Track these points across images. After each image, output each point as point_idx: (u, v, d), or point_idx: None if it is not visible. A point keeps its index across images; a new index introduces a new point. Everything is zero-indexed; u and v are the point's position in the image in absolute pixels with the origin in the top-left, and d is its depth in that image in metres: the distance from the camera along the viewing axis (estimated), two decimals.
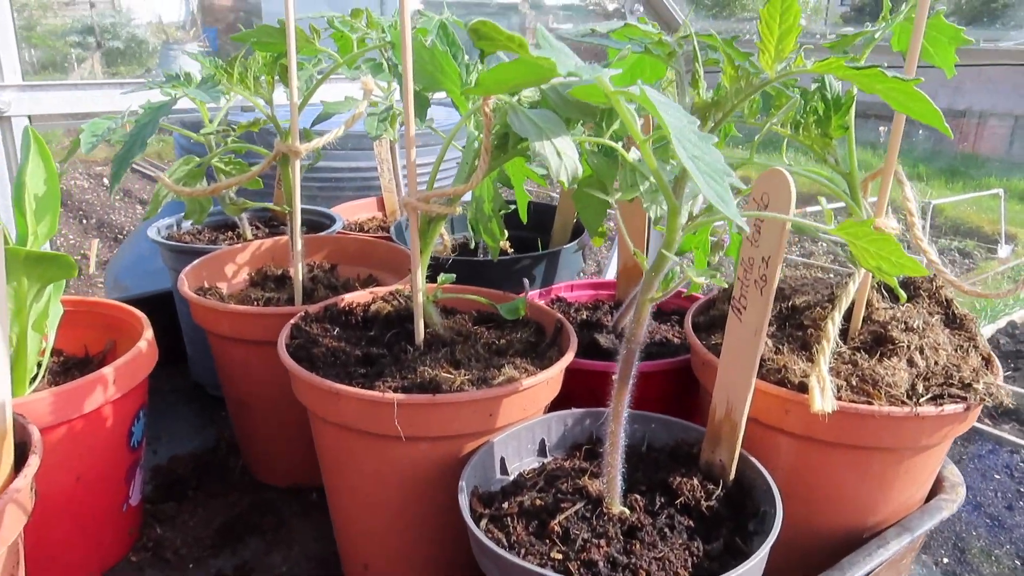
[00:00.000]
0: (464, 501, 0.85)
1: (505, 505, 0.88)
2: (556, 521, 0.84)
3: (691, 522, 0.86)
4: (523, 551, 0.81)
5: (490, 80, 0.65)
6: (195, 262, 1.34)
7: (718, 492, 0.89)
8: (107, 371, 1.02)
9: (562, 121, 0.88)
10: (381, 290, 1.19)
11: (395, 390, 0.91)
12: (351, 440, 0.96)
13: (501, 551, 0.77)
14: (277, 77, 1.25)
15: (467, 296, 1.12)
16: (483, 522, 0.86)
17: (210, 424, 1.52)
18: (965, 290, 0.98)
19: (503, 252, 1.47)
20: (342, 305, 1.15)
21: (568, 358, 1.01)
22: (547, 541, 0.83)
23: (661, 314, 1.40)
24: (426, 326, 1.06)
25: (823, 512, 0.99)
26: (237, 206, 1.40)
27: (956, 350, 0.98)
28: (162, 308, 1.63)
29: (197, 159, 1.32)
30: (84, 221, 6.69)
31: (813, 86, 0.99)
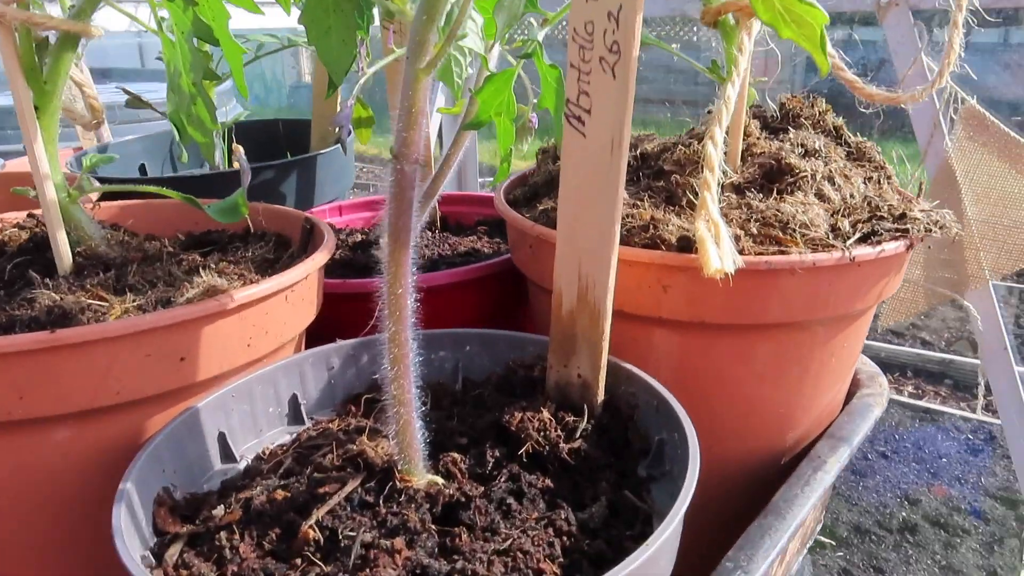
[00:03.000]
0: (126, 516, 0.44)
1: (220, 511, 0.48)
2: (311, 523, 0.45)
3: (549, 481, 0.51)
4: None
5: None
6: None
7: (583, 425, 0.55)
8: None
9: None
10: (14, 215, 0.74)
11: None
12: None
13: None
14: None
15: (148, 192, 0.70)
16: (174, 547, 0.45)
17: None
18: (875, 96, 0.71)
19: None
20: None
21: (321, 258, 0.63)
22: (297, 561, 0.44)
23: (463, 228, 1.05)
24: (79, 243, 0.63)
25: (730, 433, 0.68)
26: None
27: (866, 182, 0.71)
28: None
29: None
30: None
31: None
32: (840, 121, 0.78)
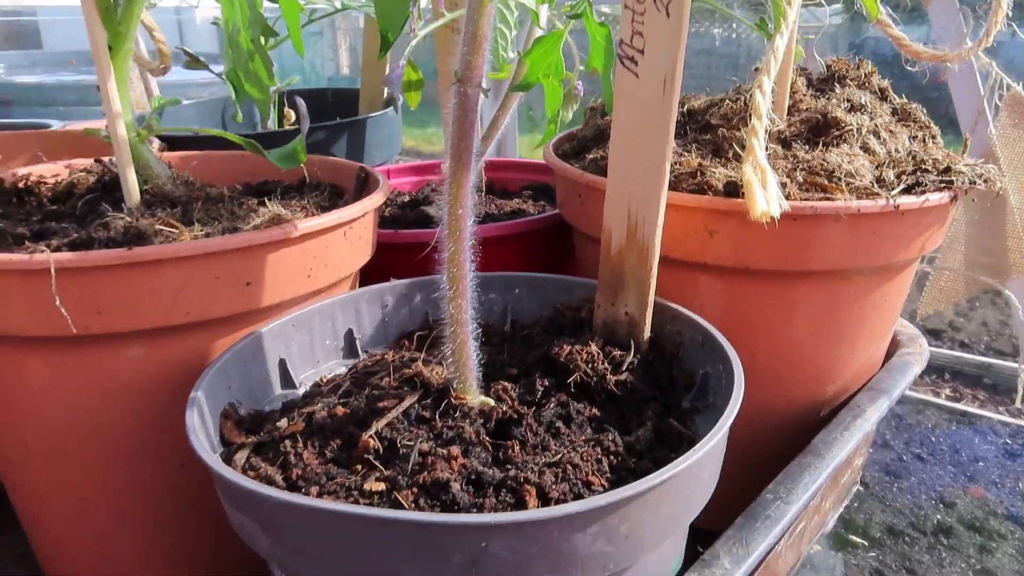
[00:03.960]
0: (197, 420, 0.47)
1: (283, 423, 0.51)
2: (371, 432, 0.47)
3: (596, 410, 0.53)
4: (315, 488, 0.44)
5: None
6: None
7: (630, 359, 0.56)
8: None
9: None
10: (82, 161, 0.77)
11: (59, 249, 0.51)
12: (10, 361, 0.54)
13: (266, 490, 0.40)
14: None
15: (217, 135, 0.73)
16: (241, 453, 0.48)
17: None
18: (922, 54, 0.72)
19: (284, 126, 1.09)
20: (11, 182, 0.72)
21: (378, 198, 0.65)
22: (358, 467, 0.46)
23: (508, 193, 1.07)
24: (145, 181, 0.66)
25: (772, 382, 0.69)
26: None
27: (912, 139, 0.71)
28: None
29: None
30: None
31: None
32: (886, 83, 0.78)
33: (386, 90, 1.12)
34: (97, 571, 0.63)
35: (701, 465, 0.42)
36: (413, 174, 1.11)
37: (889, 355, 0.80)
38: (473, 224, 0.48)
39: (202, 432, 0.47)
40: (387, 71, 1.15)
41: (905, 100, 0.77)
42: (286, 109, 1.13)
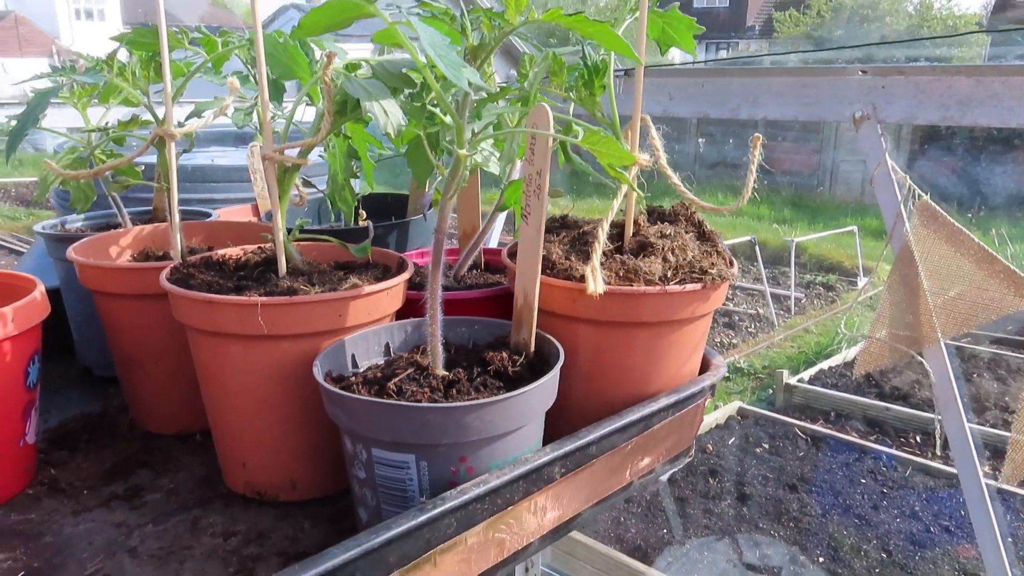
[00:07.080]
0: (318, 371, 1.07)
1: (352, 378, 1.11)
2: (392, 383, 1.07)
3: (500, 382, 1.11)
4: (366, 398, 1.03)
5: (309, 22, 0.90)
6: (81, 241, 1.51)
7: (521, 360, 1.15)
8: (6, 310, 1.18)
9: (388, 89, 1.14)
10: (251, 247, 1.41)
11: (260, 295, 1.13)
12: (225, 346, 1.16)
13: (344, 392, 1.00)
14: (152, 74, 1.46)
15: (322, 239, 1.36)
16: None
17: (99, 399, 1.66)
18: (704, 206, 1.30)
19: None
20: (216, 257, 1.36)
21: (404, 275, 1.26)
22: (385, 395, 1.05)
23: (496, 269, 1.67)
24: (288, 262, 1.28)
25: (615, 386, 1.26)
26: (119, 183, 1.58)
27: (702, 254, 1.29)
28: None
29: (81, 150, 1.51)
30: None
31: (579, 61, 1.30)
32: (702, 216, 1.37)
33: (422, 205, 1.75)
34: (259, 462, 1.24)
35: (528, 394, 1.00)
36: None
37: (704, 372, 1.36)
38: (440, 296, 1.08)
39: (320, 377, 1.07)
40: (423, 194, 1.79)
41: (711, 229, 1.35)
42: (363, 216, 1.77)
